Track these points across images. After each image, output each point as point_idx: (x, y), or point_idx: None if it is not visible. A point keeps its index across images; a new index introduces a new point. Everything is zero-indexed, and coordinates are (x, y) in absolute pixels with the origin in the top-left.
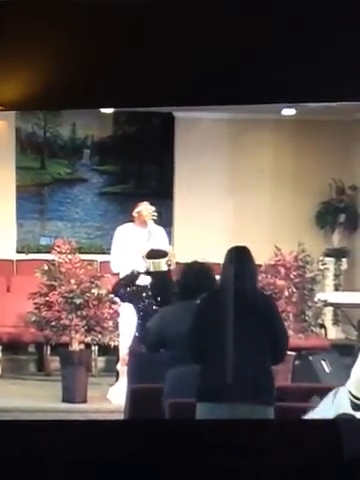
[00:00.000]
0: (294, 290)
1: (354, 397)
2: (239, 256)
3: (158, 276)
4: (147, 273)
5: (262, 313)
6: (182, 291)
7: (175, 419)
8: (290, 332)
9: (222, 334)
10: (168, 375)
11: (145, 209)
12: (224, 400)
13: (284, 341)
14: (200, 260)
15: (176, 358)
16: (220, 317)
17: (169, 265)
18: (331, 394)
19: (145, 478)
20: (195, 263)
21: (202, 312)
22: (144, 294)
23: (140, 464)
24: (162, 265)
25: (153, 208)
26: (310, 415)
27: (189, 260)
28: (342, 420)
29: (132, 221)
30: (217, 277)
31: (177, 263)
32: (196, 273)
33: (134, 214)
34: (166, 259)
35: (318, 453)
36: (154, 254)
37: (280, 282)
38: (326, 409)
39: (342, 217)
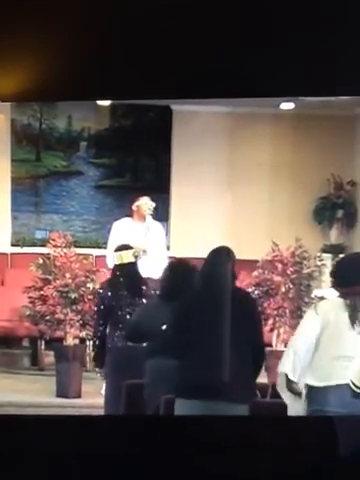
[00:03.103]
0: (291, 286)
1: (356, 386)
2: (216, 257)
3: (125, 268)
4: (114, 266)
5: (242, 312)
6: (165, 290)
7: (169, 415)
8: (287, 328)
9: (201, 332)
10: (147, 367)
11: (145, 204)
12: (199, 397)
13: (262, 341)
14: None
15: (155, 351)
16: (199, 315)
17: (136, 256)
18: (311, 309)
19: (138, 472)
20: (178, 262)
21: (182, 309)
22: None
23: (133, 458)
24: (129, 256)
25: (153, 204)
26: (296, 332)
27: (185, 254)
28: (338, 418)
29: (130, 215)
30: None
31: (174, 258)
32: (179, 272)
33: (133, 208)
34: (132, 250)
35: (315, 450)
36: (120, 247)
37: (277, 278)
38: (311, 321)
39: (340, 213)
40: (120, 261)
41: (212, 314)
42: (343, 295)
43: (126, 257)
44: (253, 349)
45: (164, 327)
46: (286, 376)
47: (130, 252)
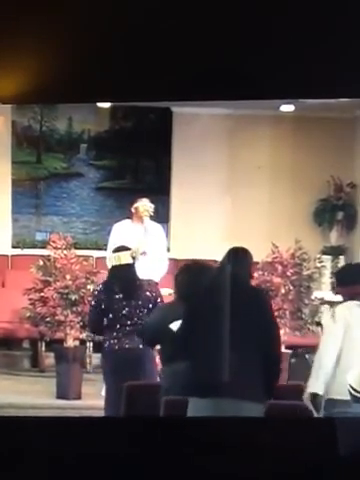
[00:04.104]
0: (291, 288)
1: (355, 390)
2: (232, 256)
3: (123, 269)
4: (112, 267)
5: (254, 311)
6: (181, 291)
7: (169, 416)
8: (287, 330)
9: (212, 330)
10: (164, 373)
11: (142, 205)
12: (212, 395)
13: (275, 338)
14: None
15: (173, 356)
16: (210, 314)
17: (134, 257)
18: (329, 319)
19: (138, 472)
20: (194, 263)
21: (193, 308)
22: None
23: (133, 459)
24: (127, 257)
25: (151, 205)
26: (321, 348)
27: (185, 256)
28: (338, 419)
29: (130, 217)
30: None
31: (174, 259)
32: (196, 274)
33: (132, 210)
34: (130, 252)
35: (315, 451)
36: (118, 248)
37: (277, 279)
38: (333, 332)
39: (340, 215)
40: (118, 262)
41: (226, 313)
42: (350, 296)
43: (124, 258)
44: (268, 349)
45: (177, 326)
46: (313, 394)
47: (128, 253)
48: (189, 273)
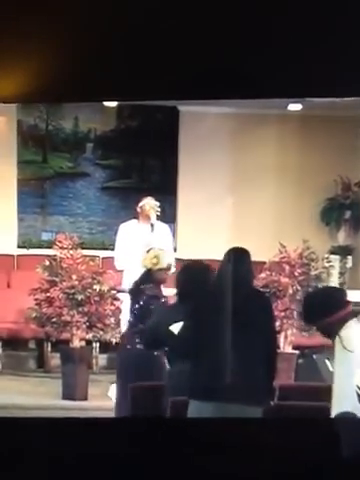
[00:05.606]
0: (298, 288)
1: None
2: (234, 257)
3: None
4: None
5: (255, 314)
6: (182, 291)
7: (174, 417)
8: (294, 330)
9: (214, 333)
10: (170, 373)
11: (147, 204)
12: (213, 399)
13: (275, 339)
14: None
15: (177, 357)
16: (212, 316)
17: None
18: (340, 346)
19: (139, 472)
20: (195, 263)
21: (195, 310)
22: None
23: (134, 458)
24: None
25: (157, 203)
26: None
27: (192, 256)
28: (341, 420)
29: (136, 217)
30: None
31: (180, 259)
32: (196, 274)
33: (137, 209)
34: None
35: (315, 451)
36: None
37: (284, 279)
38: (351, 358)
39: (348, 214)
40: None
41: (228, 314)
42: (329, 327)
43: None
44: (268, 351)
45: (178, 328)
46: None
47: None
48: (190, 272)
